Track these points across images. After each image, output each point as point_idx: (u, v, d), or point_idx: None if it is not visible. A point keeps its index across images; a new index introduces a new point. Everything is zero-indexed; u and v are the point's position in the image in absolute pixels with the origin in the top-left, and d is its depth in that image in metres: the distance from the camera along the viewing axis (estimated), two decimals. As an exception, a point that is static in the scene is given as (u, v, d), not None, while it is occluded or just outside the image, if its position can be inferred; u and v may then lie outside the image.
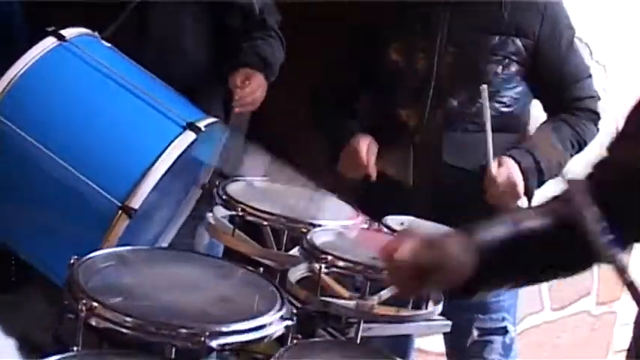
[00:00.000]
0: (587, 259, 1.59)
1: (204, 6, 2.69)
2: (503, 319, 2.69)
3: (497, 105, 2.59)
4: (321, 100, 2.85)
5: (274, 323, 1.67)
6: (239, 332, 1.61)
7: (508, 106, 2.62)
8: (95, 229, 2.14)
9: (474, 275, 1.54)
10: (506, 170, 2.51)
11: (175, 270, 1.86)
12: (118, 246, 2.10)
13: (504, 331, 2.69)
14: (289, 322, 1.70)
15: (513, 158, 2.54)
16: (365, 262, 1.98)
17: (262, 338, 1.65)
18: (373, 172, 2.63)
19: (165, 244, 2.56)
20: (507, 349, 2.69)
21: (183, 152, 2.21)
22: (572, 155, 2.65)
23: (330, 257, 1.98)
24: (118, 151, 2.20)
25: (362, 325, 1.95)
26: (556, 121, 2.65)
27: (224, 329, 1.60)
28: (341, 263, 1.99)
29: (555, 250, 1.59)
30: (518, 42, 2.59)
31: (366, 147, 2.64)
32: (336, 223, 2.22)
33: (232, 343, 1.61)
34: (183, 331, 1.57)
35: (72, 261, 1.74)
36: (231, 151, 2.72)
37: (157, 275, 1.81)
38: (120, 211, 2.13)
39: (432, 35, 2.59)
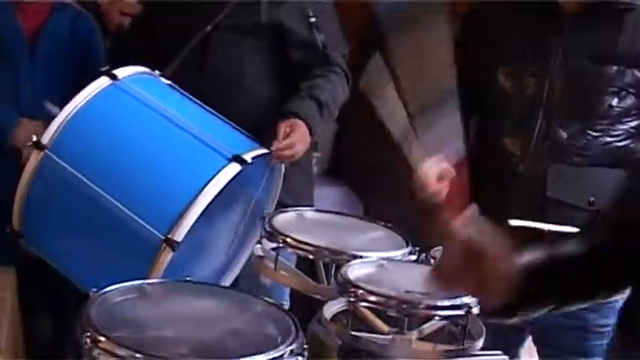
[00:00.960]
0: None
1: (265, 40, 2.70)
2: None
3: (609, 139, 2.45)
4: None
5: (283, 358, 1.63)
6: None
7: (622, 140, 2.47)
8: (141, 262, 2.18)
9: (513, 296, 1.47)
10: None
11: (193, 303, 1.85)
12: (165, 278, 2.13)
13: None
14: (300, 358, 1.66)
15: None
16: (399, 296, 1.92)
17: None
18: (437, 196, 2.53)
19: (231, 278, 2.58)
20: None
21: (228, 184, 2.22)
22: None
23: (361, 291, 1.93)
24: (162, 185, 2.23)
25: None
26: None
27: None
28: (373, 297, 1.93)
29: (591, 274, 1.53)
30: (637, 73, 2.44)
31: (438, 169, 2.54)
32: (378, 254, 2.16)
33: None
34: None
35: (91, 293, 1.75)
36: (295, 182, 2.72)
37: (172, 309, 1.81)
38: (163, 244, 2.15)
39: (544, 60, 2.45)
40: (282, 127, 2.54)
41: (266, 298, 1.90)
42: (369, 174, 3.73)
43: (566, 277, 1.54)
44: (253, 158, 2.30)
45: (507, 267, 1.46)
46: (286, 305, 2.78)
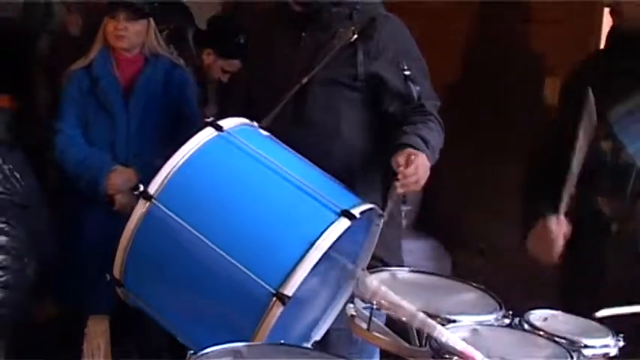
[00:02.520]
0: None
1: (360, 92, 2.71)
2: None
3: None
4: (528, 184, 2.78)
5: None
6: None
7: None
8: (249, 315, 2.16)
9: None
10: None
11: None
12: (271, 332, 2.11)
13: None
14: None
15: None
16: None
17: None
18: (556, 256, 2.54)
19: (322, 332, 2.55)
20: None
21: (338, 239, 2.20)
22: None
23: (455, 358, 1.89)
24: (272, 238, 2.22)
25: None
26: None
27: None
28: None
29: None
30: None
31: (558, 229, 2.55)
32: (472, 318, 2.13)
33: None
34: None
35: (188, 356, 1.73)
36: (387, 235, 2.70)
37: None
38: (274, 298, 2.14)
39: None
40: (402, 157, 2.51)
41: None
42: (456, 227, 3.72)
43: None
44: (361, 213, 2.28)
45: None
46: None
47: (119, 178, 2.66)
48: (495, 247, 2.79)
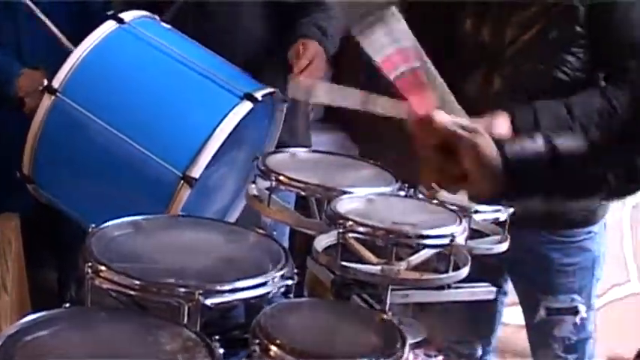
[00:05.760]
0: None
1: (261, -16, 2.74)
2: (572, 300, 2.64)
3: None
4: None
5: (273, 282, 1.68)
6: (235, 290, 1.62)
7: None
8: (159, 199, 2.22)
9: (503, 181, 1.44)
10: None
11: (186, 236, 1.88)
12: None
13: (574, 311, 2.62)
14: (289, 282, 1.71)
15: None
16: (387, 227, 1.94)
17: (260, 296, 1.65)
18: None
19: (232, 218, 2.62)
20: (579, 329, 2.63)
21: (241, 121, 2.27)
22: None
23: (350, 223, 1.94)
24: (177, 124, 2.28)
25: (400, 292, 1.92)
26: None
27: (219, 287, 1.61)
28: (361, 229, 1.94)
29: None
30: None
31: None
32: (368, 190, 2.18)
33: (228, 302, 1.62)
34: (181, 290, 1.58)
35: (90, 229, 1.78)
36: (294, 123, 2.77)
37: (167, 241, 1.83)
38: (181, 181, 2.20)
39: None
40: (296, 48, 2.57)
41: (257, 229, 1.94)
42: (363, 120, 3.78)
43: (561, 173, 1.50)
44: (263, 96, 2.34)
45: (488, 157, 1.42)
46: (285, 244, 2.86)
47: (29, 80, 2.68)
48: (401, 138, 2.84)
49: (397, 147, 2.39)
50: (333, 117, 4.04)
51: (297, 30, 2.66)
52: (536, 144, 1.47)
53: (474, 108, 2.31)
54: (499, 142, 1.45)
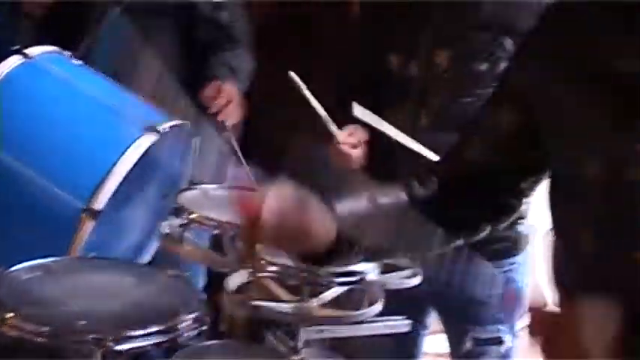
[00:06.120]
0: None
1: (171, 20, 2.76)
2: (498, 330, 2.64)
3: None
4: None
5: (185, 326, 1.68)
6: (146, 336, 1.62)
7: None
8: (63, 235, 2.19)
9: (332, 245, 1.48)
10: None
11: (98, 278, 1.88)
12: (86, 251, 2.16)
13: (499, 341, 2.63)
14: (201, 327, 1.71)
15: None
16: (299, 265, 1.88)
17: (171, 341, 1.65)
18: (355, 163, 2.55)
19: (148, 255, 2.60)
20: (504, 358, 2.64)
21: (149, 156, 2.26)
22: None
23: (261, 262, 1.93)
24: (79, 156, 2.26)
25: (315, 328, 1.93)
26: None
27: (130, 333, 1.61)
28: (273, 267, 1.94)
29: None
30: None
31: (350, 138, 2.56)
32: None
33: (139, 347, 1.62)
34: (91, 336, 1.58)
35: None
36: (210, 158, 2.77)
37: (77, 284, 1.83)
38: (83, 214, 2.18)
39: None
40: (210, 90, 2.60)
41: (169, 271, 1.94)
42: (277, 154, 3.77)
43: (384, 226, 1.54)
44: (169, 128, 2.34)
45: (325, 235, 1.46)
46: (201, 283, 2.84)
47: None
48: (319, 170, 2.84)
49: (311, 182, 2.39)
50: (246, 151, 4.01)
51: (210, 69, 2.67)
52: (361, 204, 1.51)
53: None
54: (330, 204, 1.49)
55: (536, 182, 1.59)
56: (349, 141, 2.45)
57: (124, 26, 2.71)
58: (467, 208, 1.58)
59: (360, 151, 2.46)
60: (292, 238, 1.42)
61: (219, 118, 2.63)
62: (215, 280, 2.72)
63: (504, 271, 2.52)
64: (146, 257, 2.59)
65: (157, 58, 2.73)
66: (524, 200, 1.64)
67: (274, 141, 3.62)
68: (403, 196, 1.56)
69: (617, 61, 1.33)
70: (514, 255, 2.52)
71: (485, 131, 1.57)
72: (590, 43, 1.37)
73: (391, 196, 1.57)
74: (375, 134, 2.44)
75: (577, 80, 1.40)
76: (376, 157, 2.48)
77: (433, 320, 2.67)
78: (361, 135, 2.47)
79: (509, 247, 2.49)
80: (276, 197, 1.43)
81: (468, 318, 2.56)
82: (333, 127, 2.41)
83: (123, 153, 2.22)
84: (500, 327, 2.57)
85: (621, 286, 1.34)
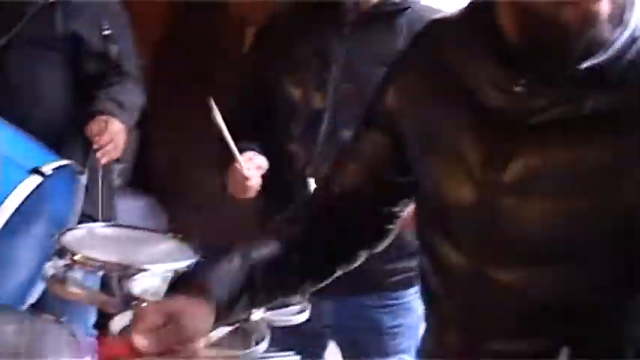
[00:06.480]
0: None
1: (60, 53, 2.70)
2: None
3: None
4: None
5: None
6: None
7: None
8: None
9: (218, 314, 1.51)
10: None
11: None
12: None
13: None
14: None
15: None
16: None
17: None
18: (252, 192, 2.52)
19: (36, 294, 2.54)
20: None
21: (34, 195, 2.21)
22: None
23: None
24: (-40, 200, 2.20)
25: None
26: None
27: None
28: None
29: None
30: None
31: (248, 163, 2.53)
32: (166, 266, 2.10)
33: None
34: None
35: None
36: (96, 193, 2.72)
37: None
38: (-35, 256, 2.12)
39: (327, 70, 2.42)
40: (95, 126, 2.56)
41: (45, 315, 1.89)
42: (172, 184, 3.76)
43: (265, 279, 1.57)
44: (54, 170, 2.29)
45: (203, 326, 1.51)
46: (92, 321, 2.79)
47: None
48: (213, 199, 2.82)
49: (205, 212, 2.38)
50: (141, 182, 3.98)
51: (96, 105, 2.63)
52: (233, 264, 1.52)
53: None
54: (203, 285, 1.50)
55: (408, 205, 1.61)
56: (249, 165, 2.44)
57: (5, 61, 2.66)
58: (342, 237, 1.59)
59: (258, 177, 2.44)
60: (172, 344, 1.47)
61: (98, 155, 2.59)
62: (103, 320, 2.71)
63: (406, 302, 2.55)
64: (34, 296, 2.53)
65: (44, 92, 2.70)
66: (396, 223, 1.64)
67: (169, 171, 3.62)
68: (275, 244, 1.56)
69: (484, 92, 1.33)
70: (415, 285, 2.54)
71: (356, 156, 1.58)
72: (459, 69, 1.38)
73: (263, 248, 1.56)
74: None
75: (445, 105, 1.41)
76: (274, 184, 2.48)
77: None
78: (261, 161, 2.46)
79: (410, 277, 2.51)
80: (145, 320, 1.43)
81: (372, 349, 2.57)
82: (235, 150, 2.38)
83: (7, 196, 2.18)
84: (403, 357, 2.59)
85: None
